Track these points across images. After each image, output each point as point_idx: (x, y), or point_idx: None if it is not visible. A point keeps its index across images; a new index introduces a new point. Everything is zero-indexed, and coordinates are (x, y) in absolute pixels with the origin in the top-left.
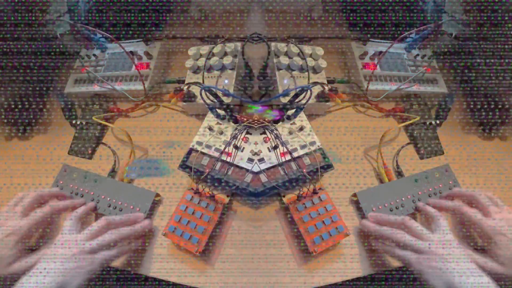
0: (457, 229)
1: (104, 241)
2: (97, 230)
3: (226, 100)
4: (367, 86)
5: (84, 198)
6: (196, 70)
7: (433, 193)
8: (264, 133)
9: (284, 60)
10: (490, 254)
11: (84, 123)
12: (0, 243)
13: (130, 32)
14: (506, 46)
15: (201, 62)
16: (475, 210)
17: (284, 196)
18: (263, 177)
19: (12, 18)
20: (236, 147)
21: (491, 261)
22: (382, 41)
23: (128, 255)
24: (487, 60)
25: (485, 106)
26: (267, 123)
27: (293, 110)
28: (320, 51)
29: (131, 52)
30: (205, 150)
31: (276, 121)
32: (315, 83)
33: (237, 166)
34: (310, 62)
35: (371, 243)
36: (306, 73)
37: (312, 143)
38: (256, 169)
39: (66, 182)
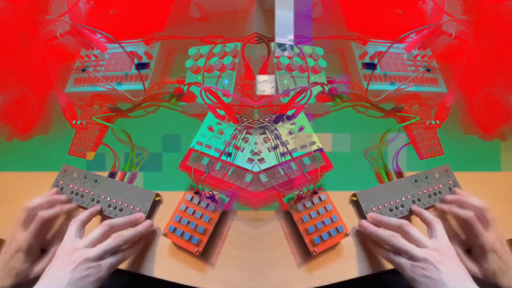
0: (452, 233)
1: (108, 246)
2: (100, 236)
3: (226, 100)
4: (367, 86)
5: (75, 203)
6: (196, 70)
7: (433, 193)
8: (264, 133)
9: (284, 60)
10: (476, 261)
11: (84, 123)
12: (12, 260)
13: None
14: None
15: (201, 62)
16: (480, 224)
17: (284, 196)
18: (263, 177)
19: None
20: (236, 147)
21: (476, 267)
22: (382, 41)
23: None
24: (487, 60)
25: (485, 106)
26: (267, 123)
27: (293, 110)
28: (320, 51)
29: (131, 52)
30: (205, 150)
31: (276, 121)
32: (315, 83)
33: (237, 166)
34: (310, 62)
35: (368, 245)
36: (306, 73)
37: (312, 143)
38: (256, 169)
39: (66, 182)
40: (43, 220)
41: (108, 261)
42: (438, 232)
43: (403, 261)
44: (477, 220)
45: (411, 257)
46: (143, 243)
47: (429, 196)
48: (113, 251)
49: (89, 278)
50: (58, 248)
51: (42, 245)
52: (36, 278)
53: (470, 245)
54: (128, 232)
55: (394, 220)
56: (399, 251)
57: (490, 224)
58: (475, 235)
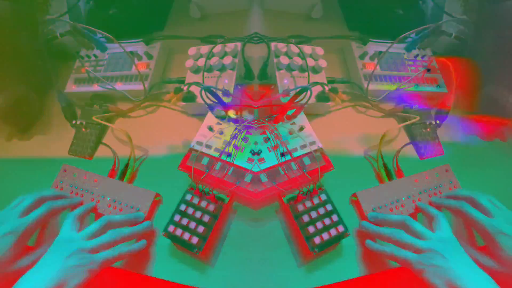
0: (457, 228)
1: (104, 240)
2: (97, 229)
3: (226, 100)
4: (367, 86)
5: (82, 198)
6: (196, 70)
7: (433, 193)
8: (264, 133)
9: (284, 60)
10: (490, 253)
11: (84, 123)
12: None
13: (130, 32)
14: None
15: (201, 62)
16: (477, 210)
17: (284, 196)
18: (263, 177)
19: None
20: (236, 147)
21: (491, 259)
22: (382, 41)
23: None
24: (487, 60)
25: (485, 106)
26: (267, 123)
27: (293, 110)
28: (320, 51)
29: (131, 52)
30: (205, 150)
31: (276, 121)
32: (315, 83)
33: (237, 166)
34: (310, 62)
35: (369, 247)
36: (306, 73)
37: (312, 143)
38: (256, 169)
39: (66, 182)
40: (51, 209)
41: (102, 255)
42: (443, 225)
43: (409, 255)
44: (471, 207)
45: (417, 250)
46: (144, 248)
47: (429, 196)
48: (108, 246)
49: (81, 268)
50: (54, 238)
51: (32, 238)
52: (15, 276)
53: (476, 240)
54: (126, 230)
55: (395, 217)
56: (404, 246)
57: (488, 209)
58: (475, 223)
